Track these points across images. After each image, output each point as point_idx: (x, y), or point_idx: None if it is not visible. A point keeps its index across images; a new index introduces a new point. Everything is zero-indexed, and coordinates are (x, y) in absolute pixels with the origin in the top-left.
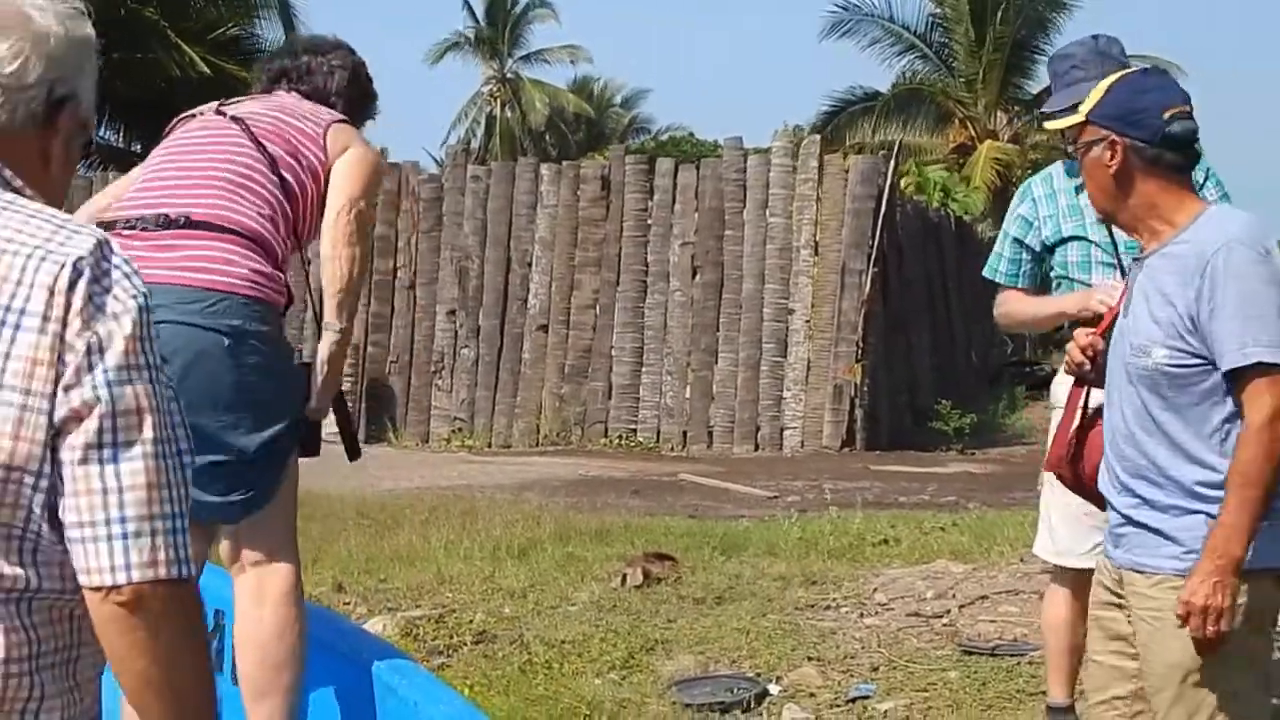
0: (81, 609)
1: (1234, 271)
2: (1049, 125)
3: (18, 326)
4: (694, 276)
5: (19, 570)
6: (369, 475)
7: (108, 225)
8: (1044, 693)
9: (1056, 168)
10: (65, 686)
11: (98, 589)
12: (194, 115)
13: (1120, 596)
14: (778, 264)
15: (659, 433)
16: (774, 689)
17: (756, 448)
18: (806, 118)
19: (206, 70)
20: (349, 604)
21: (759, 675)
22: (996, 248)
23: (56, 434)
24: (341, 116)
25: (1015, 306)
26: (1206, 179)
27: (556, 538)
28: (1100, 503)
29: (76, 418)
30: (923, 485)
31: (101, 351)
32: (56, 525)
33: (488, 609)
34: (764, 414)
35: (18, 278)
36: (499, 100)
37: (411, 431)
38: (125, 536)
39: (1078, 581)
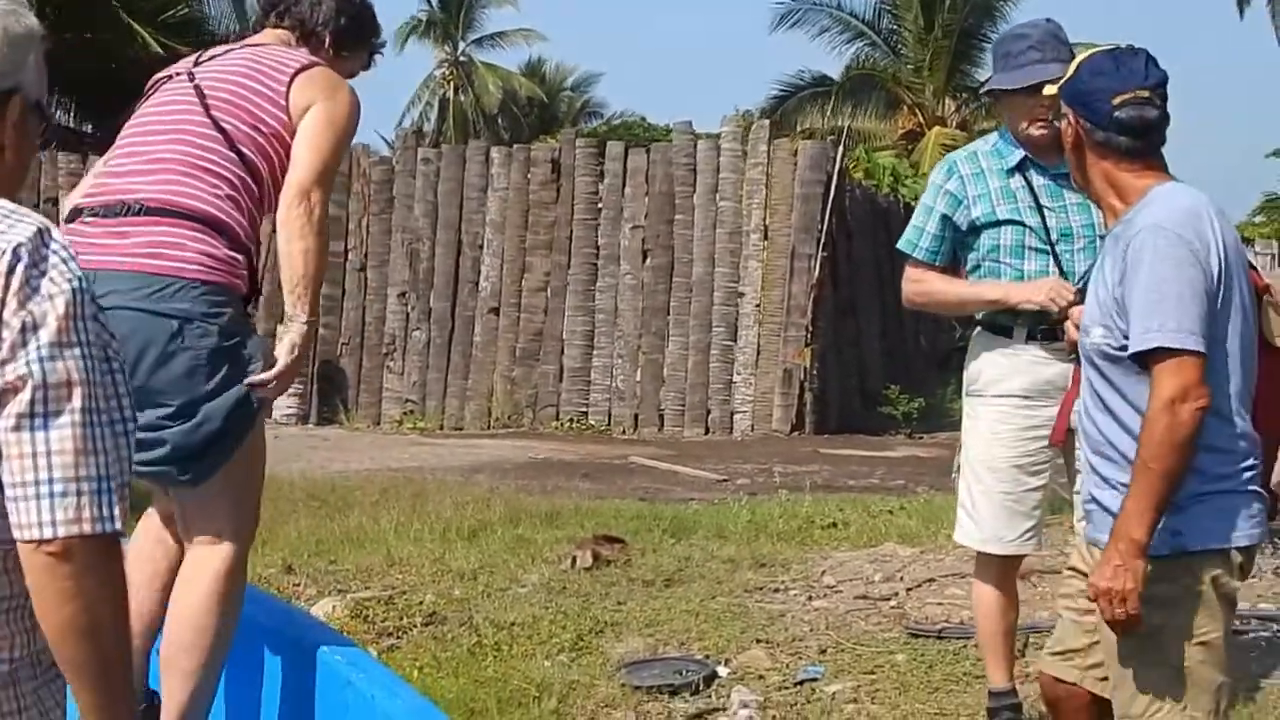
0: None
1: (1148, 255)
2: (1048, 91)
3: None
4: (644, 260)
5: None
6: (320, 457)
7: (77, 212)
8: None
9: (981, 146)
10: (22, 627)
11: (28, 542)
12: (170, 76)
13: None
14: (727, 248)
15: (610, 416)
16: (723, 671)
17: (707, 431)
18: (757, 102)
19: (159, 50)
20: (298, 585)
21: (708, 657)
22: (917, 222)
23: None
24: (310, 61)
25: (939, 287)
26: None
27: (506, 520)
28: None
29: (12, 390)
30: (871, 469)
31: (35, 329)
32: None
33: (437, 591)
34: (714, 397)
35: None
36: (452, 83)
37: (363, 414)
38: (53, 496)
39: (1005, 566)
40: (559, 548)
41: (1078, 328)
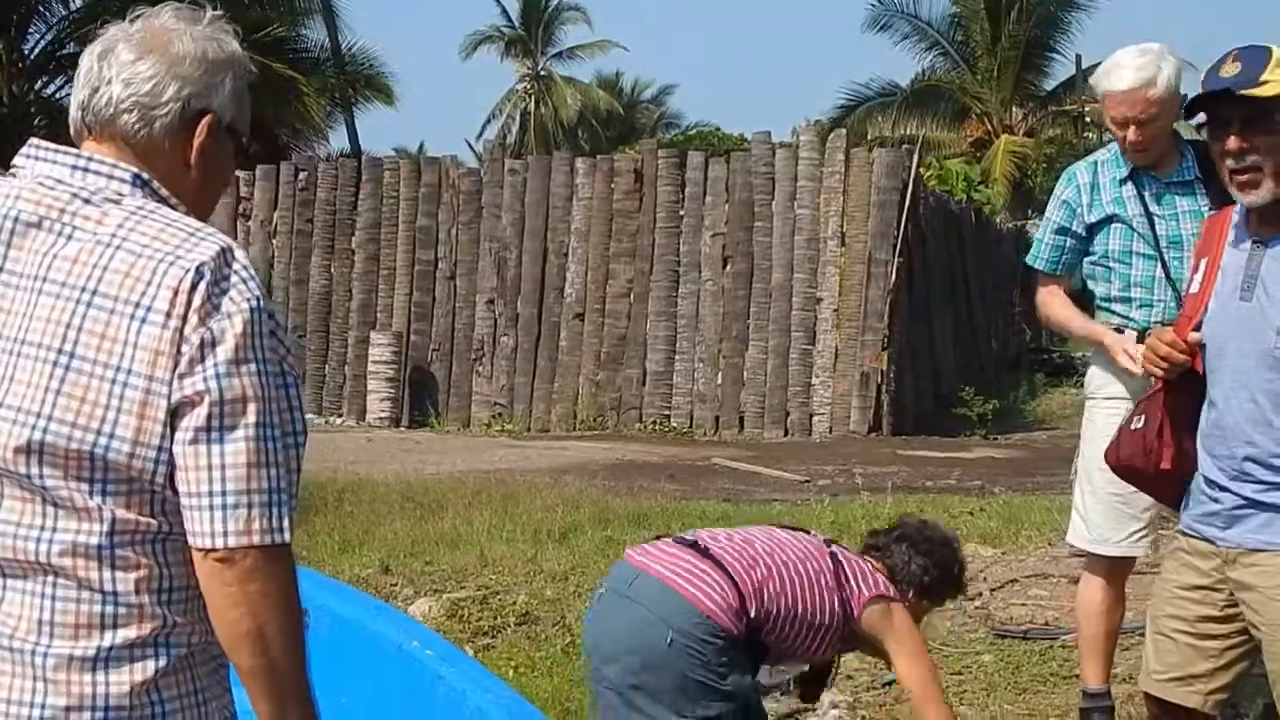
0: None
1: None
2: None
3: (144, 321)
4: (725, 266)
5: (153, 519)
6: (413, 459)
7: None
8: (1078, 676)
9: (1101, 155)
10: (190, 620)
11: (200, 549)
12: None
13: (1215, 579)
14: (806, 254)
15: (692, 418)
16: None
17: (786, 433)
18: (825, 111)
19: (254, 70)
20: (395, 585)
21: None
22: (1039, 234)
23: (173, 415)
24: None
25: (1057, 312)
26: None
27: (595, 521)
28: (1171, 496)
29: (190, 404)
30: (948, 470)
31: (214, 345)
32: (175, 489)
33: (530, 591)
34: (793, 400)
35: (149, 279)
36: (532, 97)
37: (453, 417)
38: (225, 508)
39: (1112, 568)
40: None
41: (1163, 358)
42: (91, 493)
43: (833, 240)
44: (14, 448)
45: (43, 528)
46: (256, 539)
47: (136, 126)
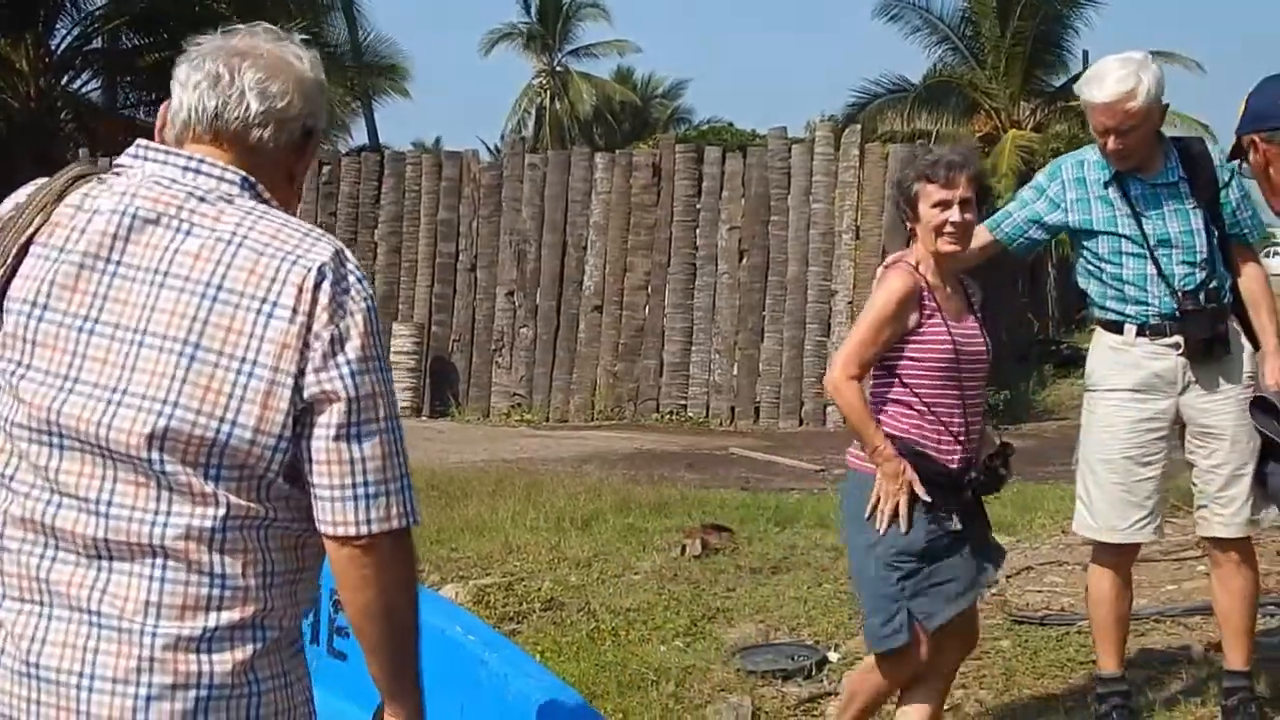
0: (305, 540)
1: None
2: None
3: (270, 315)
4: (741, 259)
5: (261, 506)
6: (436, 449)
7: None
8: (1094, 662)
9: (1090, 155)
10: (289, 602)
11: (343, 538)
12: None
13: None
14: (821, 248)
15: (708, 408)
16: (833, 656)
17: (801, 423)
18: (837, 107)
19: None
20: (422, 572)
21: (818, 643)
22: (1009, 207)
23: (304, 408)
24: None
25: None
26: (1231, 179)
27: (617, 509)
28: None
29: (327, 399)
30: None
31: (343, 343)
32: (289, 477)
33: (554, 577)
34: (808, 391)
35: (273, 275)
36: (549, 92)
37: (473, 407)
38: (369, 497)
39: (1119, 555)
40: (669, 536)
41: None
42: (208, 478)
43: (847, 234)
44: (139, 433)
45: (157, 511)
46: (395, 523)
47: (268, 139)
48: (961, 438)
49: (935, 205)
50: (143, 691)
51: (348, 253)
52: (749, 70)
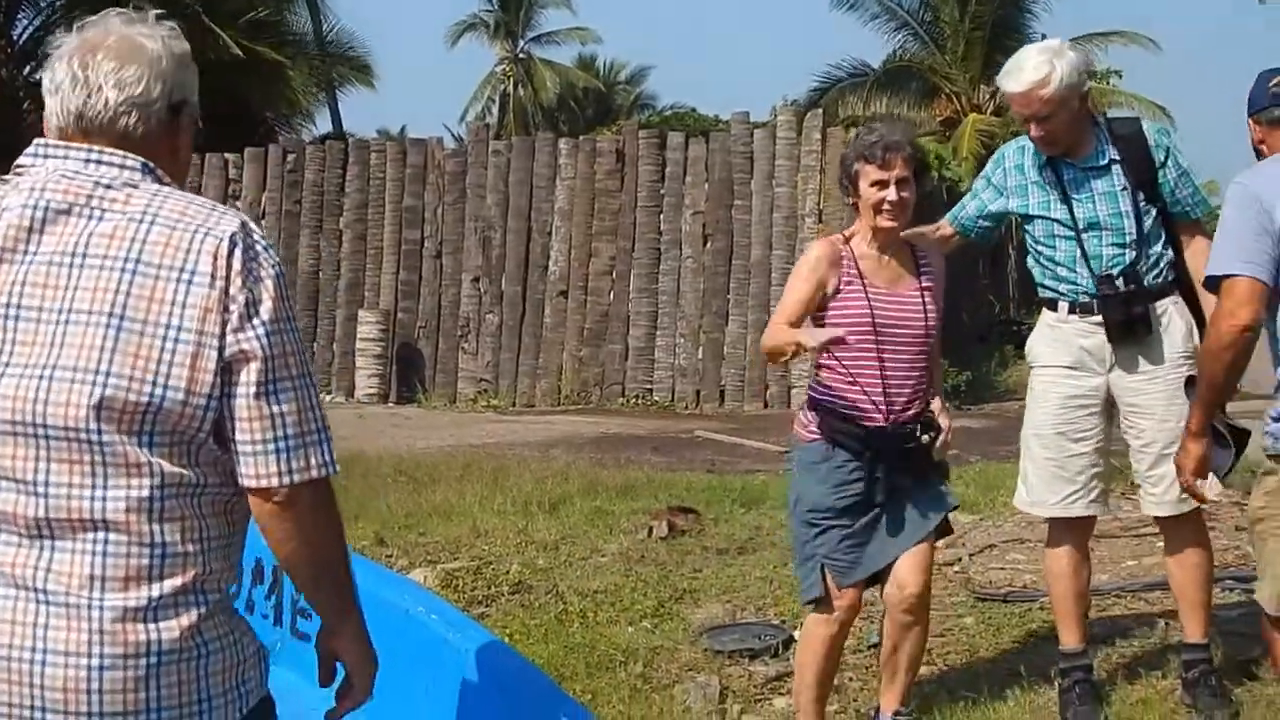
0: (234, 505)
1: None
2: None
3: (190, 283)
4: (705, 244)
5: (192, 472)
6: (403, 434)
7: None
8: (1056, 637)
9: (1028, 141)
10: (225, 565)
11: (263, 489)
12: None
13: None
14: (784, 231)
15: (674, 392)
16: (799, 635)
17: (765, 405)
18: (799, 92)
19: (239, 53)
20: (390, 556)
21: (784, 622)
22: (965, 198)
23: (223, 367)
24: None
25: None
26: (1167, 158)
27: (584, 492)
28: None
29: (245, 359)
30: None
31: (257, 307)
32: (217, 438)
33: (522, 560)
34: (772, 374)
35: (188, 246)
36: (512, 79)
37: (439, 393)
38: (289, 450)
39: (1073, 531)
40: (635, 518)
41: None
42: (142, 445)
43: (810, 217)
44: (78, 404)
45: (94, 486)
46: (314, 473)
47: (135, 125)
48: (882, 404)
49: (873, 184)
50: (94, 662)
51: (251, 224)
52: (711, 56)
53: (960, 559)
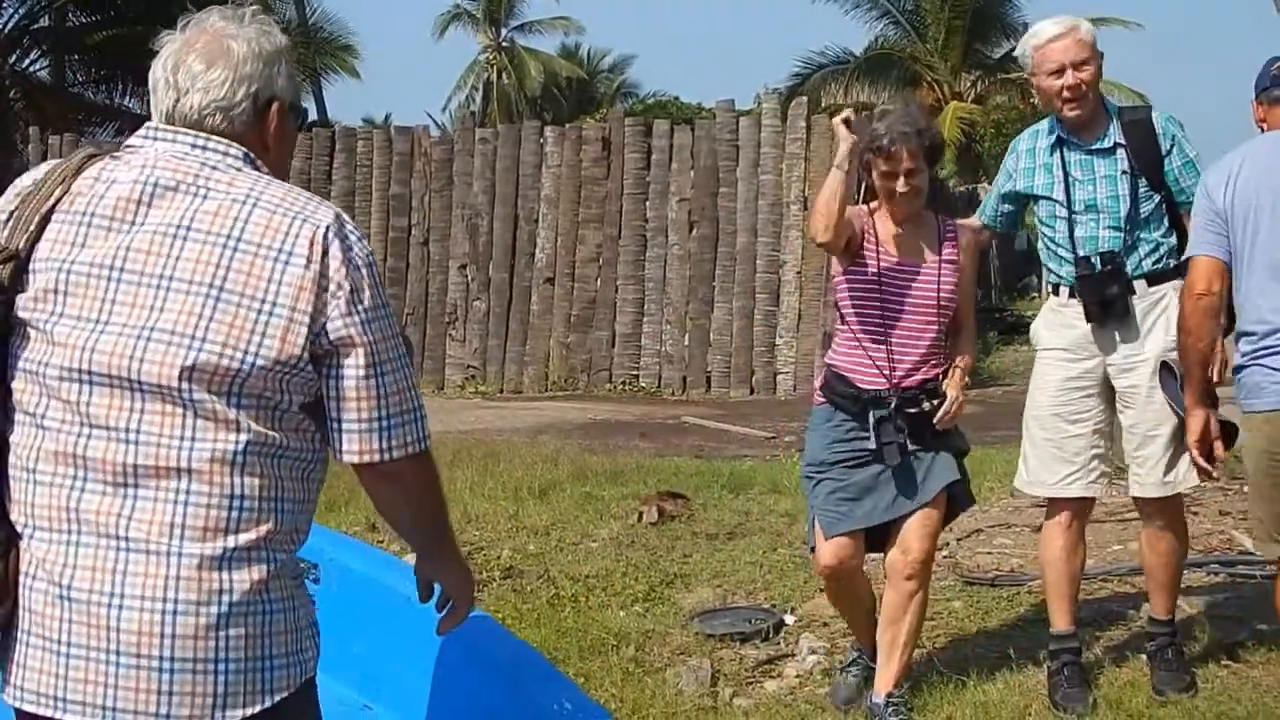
0: (311, 471)
1: None
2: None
3: (287, 263)
4: (691, 231)
5: (277, 434)
6: None
7: None
8: (1044, 620)
9: (1042, 125)
10: (295, 528)
11: (370, 464)
12: None
13: None
14: (769, 219)
15: (660, 378)
16: (789, 619)
17: (752, 391)
18: (780, 79)
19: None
20: (382, 542)
21: (774, 606)
22: (990, 193)
23: (328, 351)
24: None
25: None
26: (1173, 147)
27: (574, 478)
28: None
29: (351, 345)
30: None
31: (360, 295)
32: (307, 409)
33: (513, 546)
34: (758, 360)
35: (286, 229)
36: (495, 67)
37: (428, 379)
38: (390, 427)
39: (1071, 514)
40: (625, 504)
41: None
42: (230, 405)
43: (795, 205)
44: (172, 364)
45: (184, 437)
46: (412, 448)
47: (221, 124)
48: (885, 368)
49: (882, 175)
50: (169, 607)
51: (345, 216)
52: (692, 44)
53: (948, 544)
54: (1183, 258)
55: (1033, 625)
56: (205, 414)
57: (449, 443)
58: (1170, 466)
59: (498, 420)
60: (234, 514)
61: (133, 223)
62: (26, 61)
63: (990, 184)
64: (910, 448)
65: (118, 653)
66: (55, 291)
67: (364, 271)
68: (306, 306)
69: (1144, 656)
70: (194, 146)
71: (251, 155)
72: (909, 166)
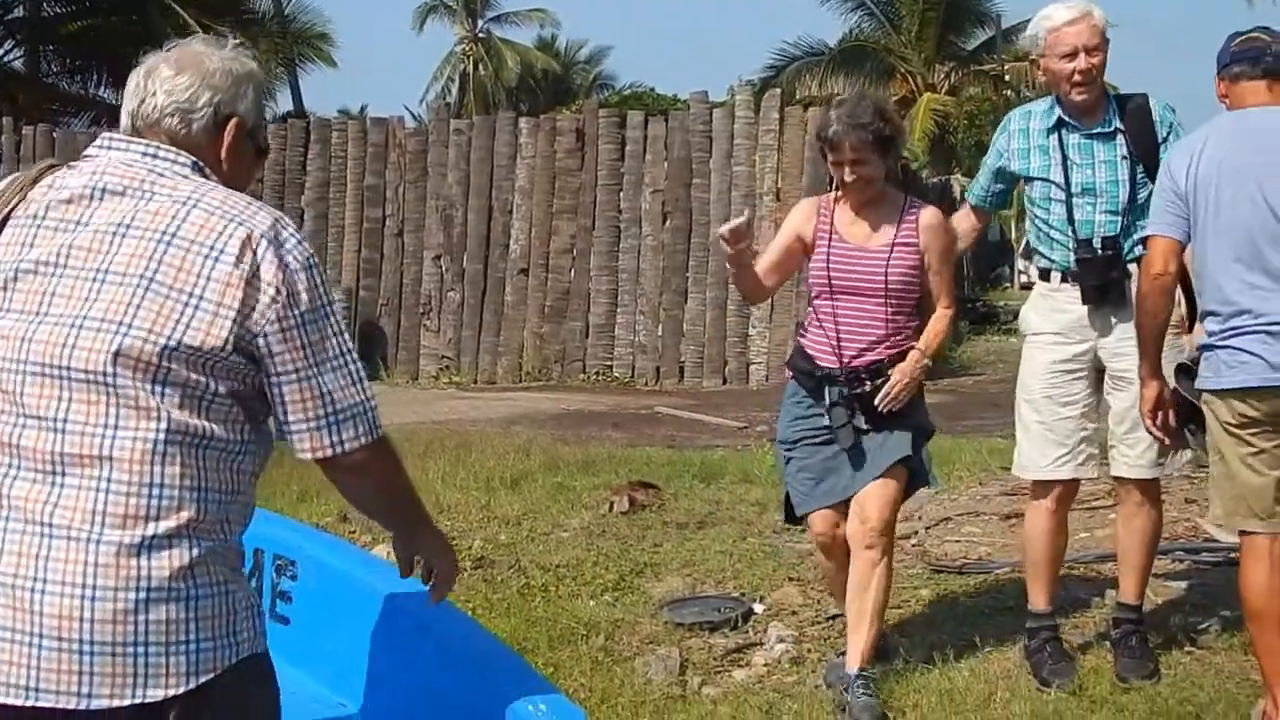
0: (239, 464)
1: None
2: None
3: (217, 260)
4: (664, 222)
5: (200, 423)
6: None
7: None
8: (1011, 608)
9: (1037, 106)
10: (222, 517)
11: (326, 459)
12: None
13: None
14: (742, 209)
15: (634, 369)
16: (758, 608)
17: (725, 381)
18: (755, 71)
19: (200, 32)
20: (353, 533)
21: (743, 595)
22: (979, 172)
23: (266, 354)
24: None
25: (956, 221)
26: (1169, 134)
27: (546, 468)
28: None
29: (289, 347)
30: None
31: (295, 297)
32: (236, 396)
33: (485, 536)
34: (731, 350)
35: (220, 230)
36: (472, 58)
37: (402, 370)
38: (339, 422)
39: (1055, 496)
40: (597, 494)
41: None
42: (154, 393)
43: (768, 196)
44: (99, 350)
45: (107, 425)
46: (364, 439)
47: (178, 127)
48: (836, 349)
49: (832, 165)
50: (88, 593)
51: (286, 219)
52: (669, 37)
53: (916, 532)
54: (1138, 236)
55: (999, 613)
56: (128, 402)
57: (422, 433)
58: (1164, 450)
59: (471, 411)
60: (153, 502)
61: (78, 223)
62: (0, 52)
63: (964, 175)
64: (863, 427)
65: (40, 635)
66: (3, 290)
67: (301, 275)
68: (233, 302)
69: (1108, 643)
70: (144, 154)
71: (201, 164)
72: (853, 157)
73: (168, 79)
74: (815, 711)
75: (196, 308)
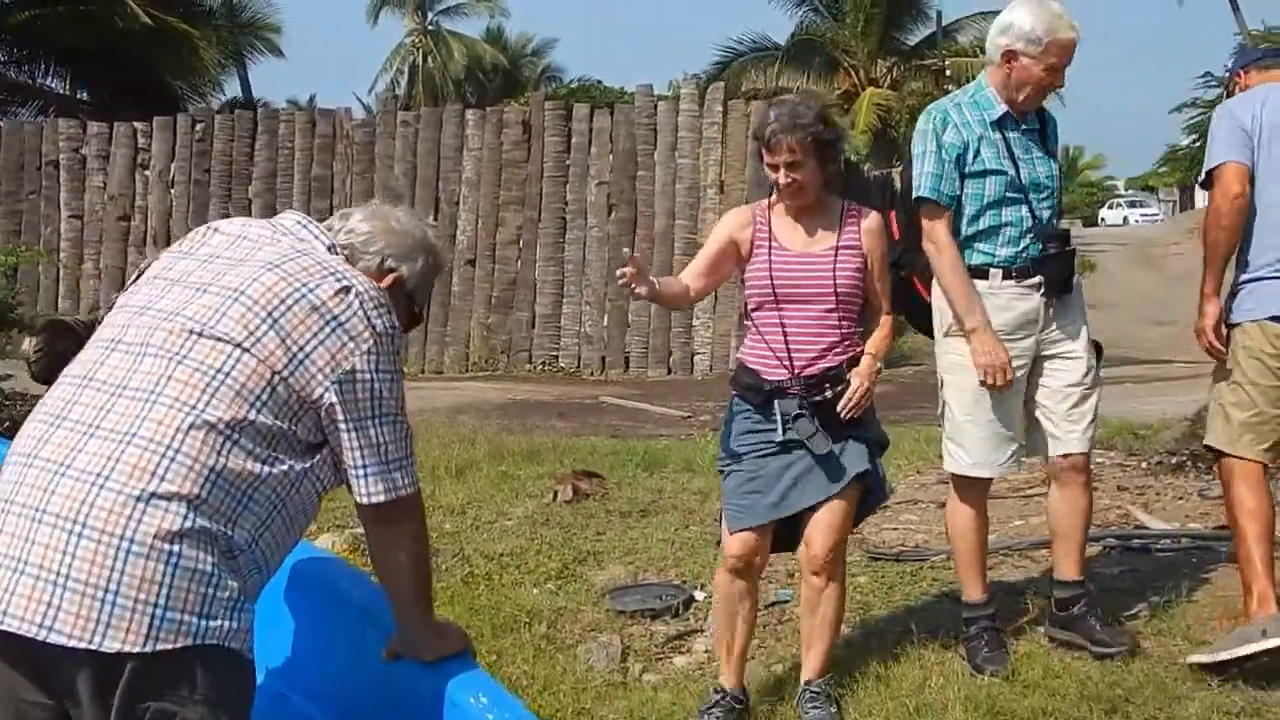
0: (267, 478)
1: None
2: None
3: (302, 299)
4: (610, 214)
5: (242, 415)
6: None
7: None
8: (947, 594)
9: (962, 98)
10: (226, 509)
11: (367, 505)
12: None
13: None
14: (686, 202)
15: (579, 359)
16: (699, 595)
17: (669, 371)
18: (701, 66)
19: (149, 22)
20: (311, 533)
21: (685, 583)
22: (931, 168)
23: (332, 404)
24: None
25: (950, 274)
26: (1056, 144)
27: (491, 458)
28: None
29: (355, 395)
30: None
31: (372, 354)
32: (300, 439)
33: (430, 525)
34: (675, 340)
35: (316, 284)
36: (421, 50)
37: None
38: (386, 473)
39: (979, 489)
40: (541, 483)
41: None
42: (213, 379)
43: (712, 188)
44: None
45: (154, 391)
46: (404, 491)
47: (355, 259)
48: (786, 360)
49: (768, 166)
50: (77, 529)
51: (369, 283)
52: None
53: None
54: (1209, 167)
55: (935, 601)
56: (185, 374)
57: None
58: (1094, 421)
59: (418, 400)
60: (165, 463)
61: (222, 257)
62: None
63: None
64: (812, 437)
65: (26, 562)
66: (161, 279)
67: (370, 340)
68: (308, 338)
69: (1040, 629)
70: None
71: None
72: (788, 159)
73: (357, 223)
74: (755, 698)
75: (307, 358)
